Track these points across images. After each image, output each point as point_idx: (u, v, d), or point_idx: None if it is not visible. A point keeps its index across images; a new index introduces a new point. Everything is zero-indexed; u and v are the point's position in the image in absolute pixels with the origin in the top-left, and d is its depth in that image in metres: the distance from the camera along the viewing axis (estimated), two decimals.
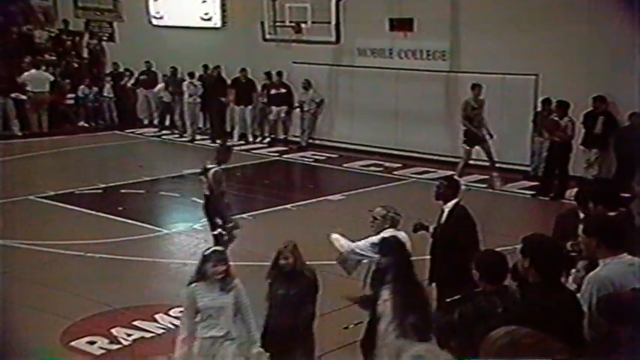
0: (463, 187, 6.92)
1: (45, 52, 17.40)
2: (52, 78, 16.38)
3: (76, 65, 17.82)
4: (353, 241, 5.76)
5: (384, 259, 5.13)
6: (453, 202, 6.37)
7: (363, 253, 5.63)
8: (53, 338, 6.49)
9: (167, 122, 17.01)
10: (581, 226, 4.08)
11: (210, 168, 8.02)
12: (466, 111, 11.98)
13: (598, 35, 11.64)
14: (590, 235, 3.86)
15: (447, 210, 6.37)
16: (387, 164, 13.63)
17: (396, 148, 14.08)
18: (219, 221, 8.05)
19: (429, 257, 6.68)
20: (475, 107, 11.98)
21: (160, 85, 16.70)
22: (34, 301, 7.23)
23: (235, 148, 15.31)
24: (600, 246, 3.81)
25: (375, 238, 5.58)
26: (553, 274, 3.67)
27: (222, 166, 8.12)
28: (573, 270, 4.51)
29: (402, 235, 5.70)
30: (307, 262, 7.45)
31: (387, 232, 5.61)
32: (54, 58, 17.47)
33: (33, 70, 16.08)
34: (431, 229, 6.28)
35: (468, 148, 12.05)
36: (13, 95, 15.79)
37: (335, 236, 5.80)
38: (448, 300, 5.98)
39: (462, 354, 2.60)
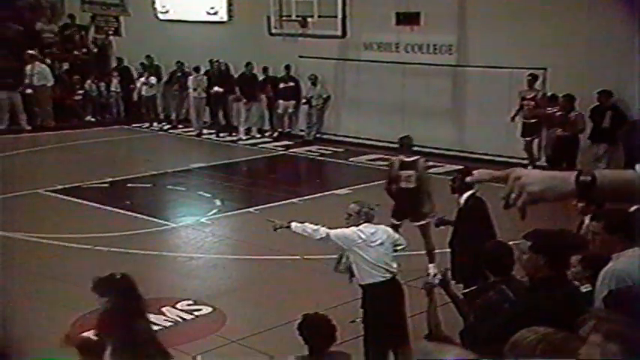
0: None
1: (52, 46, 17.42)
2: (47, 70, 16.27)
3: (83, 59, 17.82)
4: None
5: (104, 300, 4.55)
6: (468, 193, 6.42)
7: (337, 242, 5.63)
8: (63, 330, 6.52)
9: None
10: (588, 222, 4.10)
11: (417, 159, 7.89)
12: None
13: (606, 29, 11.56)
14: (612, 231, 3.85)
15: (462, 202, 6.43)
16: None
17: None
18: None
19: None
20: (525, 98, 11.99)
21: (142, 79, 16.65)
22: (42, 294, 7.31)
23: (241, 142, 15.49)
24: (617, 241, 3.81)
25: (348, 229, 5.59)
26: (563, 268, 3.72)
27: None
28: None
29: (381, 228, 5.72)
30: (311, 257, 7.51)
31: (364, 226, 5.62)
32: (60, 52, 17.49)
33: (36, 64, 16.11)
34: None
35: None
36: (20, 89, 15.83)
37: (297, 226, 5.66)
38: (465, 291, 6.02)
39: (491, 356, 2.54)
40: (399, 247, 5.87)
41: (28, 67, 15.98)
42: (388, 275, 5.60)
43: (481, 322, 3.90)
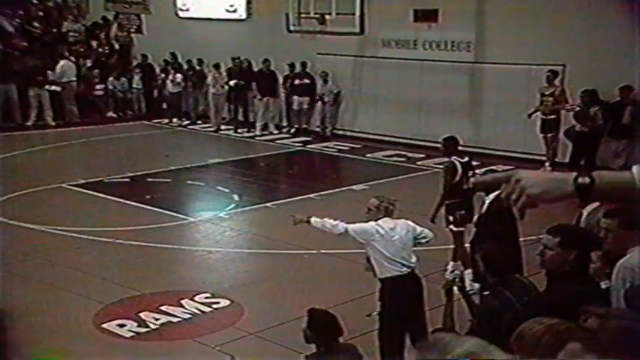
0: None
1: (76, 44, 17.65)
2: (73, 67, 16.46)
3: (105, 56, 18.00)
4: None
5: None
6: (495, 193, 6.37)
7: (356, 237, 5.61)
8: (86, 320, 6.65)
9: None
10: (586, 215, 4.12)
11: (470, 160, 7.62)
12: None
13: (625, 24, 11.44)
14: (627, 227, 3.85)
15: (487, 201, 6.37)
16: (410, 154, 13.59)
17: (419, 139, 14.00)
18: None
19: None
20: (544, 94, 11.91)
21: (169, 77, 16.76)
22: (67, 285, 7.41)
23: (259, 138, 15.54)
24: (631, 236, 3.82)
25: (367, 224, 5.57)
26: (587, 264, 3.74)
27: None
28: None
29: (401, 223, 5.68)
30: (326, 252, 7.52)
31: (383, 221, 5.59)
32: (84, 49, 17.69)
33: (62, 61, 16.30)
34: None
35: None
36: (47, 87, 16.06)
37: (317, 221, 5.65)
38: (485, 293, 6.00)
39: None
40: (423, 240, 5.75)
41: (59, 65, 16.21)
42: (405, 270, 5.56)
43: (482, 327, 3.92)
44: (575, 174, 1.82)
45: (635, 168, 1.74)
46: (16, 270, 7.82)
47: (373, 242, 5.55)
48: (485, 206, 6.39)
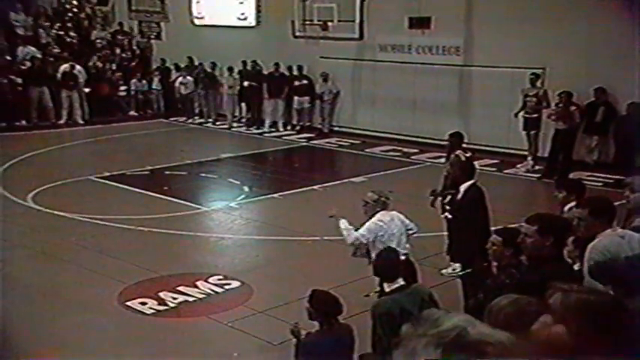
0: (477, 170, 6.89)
1: (102, 49, 17.75)
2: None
3: (128, 60, 18.06)
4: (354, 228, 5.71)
5: None
6: (469, 183, 6.36)
7: (361, 240, 5.63)
8: (111, 298, 6.68)
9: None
10: (567, 210, 4.20)
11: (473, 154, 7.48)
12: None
13: (600, 31, 11.41)
14: (596, 215, 3.99)
15: (462, 189, 6.36)
16: (405, 149, 13.57)
17: (413, 135, 14.00)
18: None
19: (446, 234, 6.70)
20: (528, 95, 11.84)
21: (180, 79, 16.75)
22: (93, 266, 7.43)
23: (266, 135, 15.52)
24: (600, 224, 3.97)
25: (370, 223, 5.58)
26: (562, 248, 3.77)
27: None
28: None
29: (395, 215, 5.69)
30: (330, 238, 7.54)
31: (381, 214, 5.59)
32: (109, 55, 17.76)
33: (77, 67, 16.30)
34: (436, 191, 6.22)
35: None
36: (78, 89, 16.12)
37: (343, 225, 5.70)
38: (461, 273, 6.02)
39: None
40: (410, 232, 5.83)
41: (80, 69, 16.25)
42: (401, 256, 5.59)
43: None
44: None
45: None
46: (49, 252, 7.89)
47: (378, 238, 5.56)
48: (460, 194, 6.38)
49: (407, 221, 5.83)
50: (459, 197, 6.38)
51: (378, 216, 5.60)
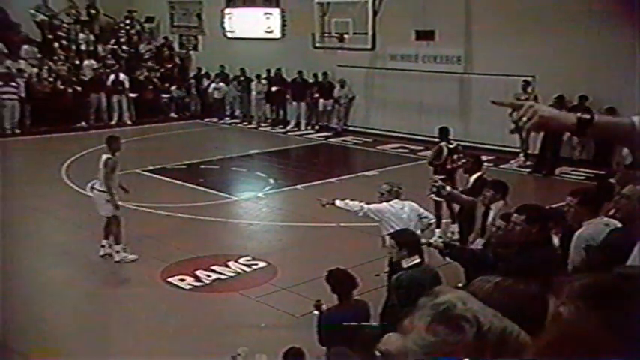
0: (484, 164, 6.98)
1: (148, 61, 18.01)
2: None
3: (170, 69, 18.27)
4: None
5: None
6: (477, 174, 6.36)
7: (372, 216, 5.56)
8: (155, 275, 6.77)
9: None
10: (569, 198, 4.16)
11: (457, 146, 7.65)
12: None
13: (583, 43, 11.27)
14: (584, 204, 3.98)
15: (472, 180, 6.38)
16: (412, 147, 13.48)
17: (419, 134, 13.89)
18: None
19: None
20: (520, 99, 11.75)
21: (213, 84, 16.84)
22: (139, 247, 7.49)
23: (290, 133, 15.51)
24: (586, 212, 3.94)
25: (382, 204, 5.53)
26: (547, 233, 3.75)
27: None
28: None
29: (408, 203, 5.63)
30: (346, 225, 7.51)
31: (394, 202, 5.55)
32: (154, 65, 18.02)
33: (122, 75, 16.45)
34: (448, 189, 6.15)
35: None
36: (125, 93, 16.30)
37: (341, 203, 5.59)
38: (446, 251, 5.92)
39: None
40: (425, 220, 5.70)
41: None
42: None
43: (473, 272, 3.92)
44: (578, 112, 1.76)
45: (636, 117, 1.65)
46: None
47: (386, 219, 5.51)
48: (470, 183, 6.37)
49: (421, 210, 5.71)
50: (469, 186, 6.37)
51: (391, 202, 5.57)
